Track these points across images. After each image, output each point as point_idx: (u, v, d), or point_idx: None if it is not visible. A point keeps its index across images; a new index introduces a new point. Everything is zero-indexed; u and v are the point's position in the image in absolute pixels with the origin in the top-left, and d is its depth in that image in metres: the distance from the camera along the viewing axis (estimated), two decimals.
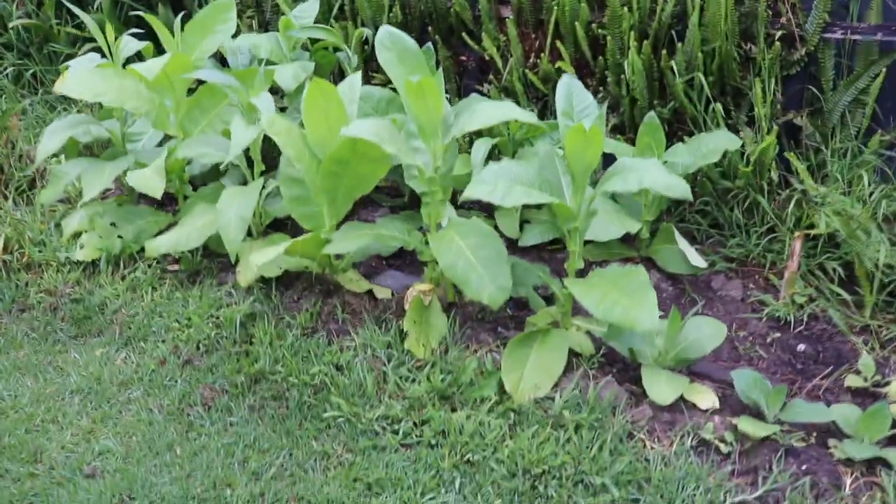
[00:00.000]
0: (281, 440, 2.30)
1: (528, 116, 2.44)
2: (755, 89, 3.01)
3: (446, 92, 3.82)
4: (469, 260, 2.44)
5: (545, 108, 3.61)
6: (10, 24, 4.15)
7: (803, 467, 2.11)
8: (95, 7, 4.17)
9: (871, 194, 2.91)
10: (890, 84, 2.98)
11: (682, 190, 2.18)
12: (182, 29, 3.19)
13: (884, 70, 2.94)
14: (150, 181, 2.90)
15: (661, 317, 2.75)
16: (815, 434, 2.23)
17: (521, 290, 2.63)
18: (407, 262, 3.14)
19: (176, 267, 3.08)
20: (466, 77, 3.81)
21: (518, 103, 3.58)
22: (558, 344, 2.42)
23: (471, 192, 2.21)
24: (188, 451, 2.27)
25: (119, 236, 3.14)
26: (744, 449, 2.18)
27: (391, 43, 2.60)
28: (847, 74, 3.06)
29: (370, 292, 2.82)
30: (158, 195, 2.90)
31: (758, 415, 2.25)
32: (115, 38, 3.29)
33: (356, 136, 2.40)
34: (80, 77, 3.04)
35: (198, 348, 2.67)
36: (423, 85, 2.42)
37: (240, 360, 2.58)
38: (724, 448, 2.18)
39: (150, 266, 3.04)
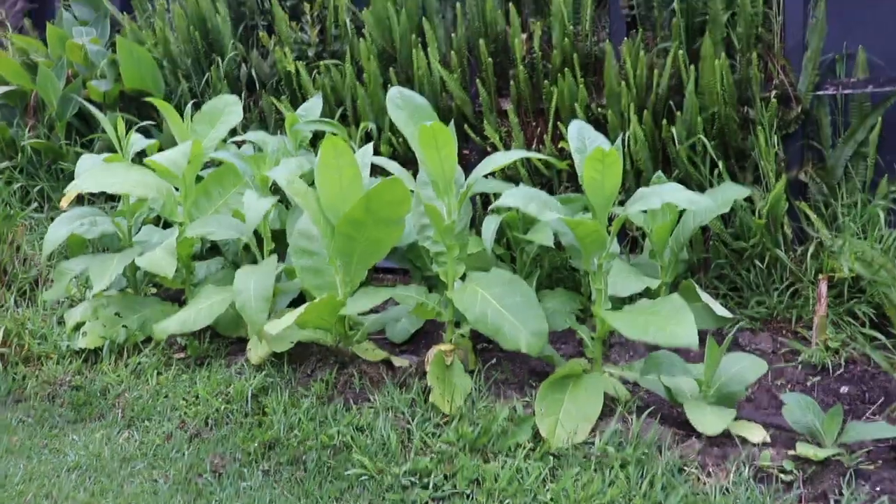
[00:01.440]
0: (299, 501, 2.11)
1: (540, 156, 2.44)
2: (758, 143, 3.05)
3: None
4: (497, 310, 2.35)
5: (551, 192, 3.63)
6: (22, 143, 4.22)
7: (877, 488, 1.93)
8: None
9: (882, 238, 2.89)
10: (889, 135, 3.03)
11: (703, 203, 2.15)
12: (192, 118, 3.25)
13: (880, 121, 3.00)
14: (162, 261, 2.84)
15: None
16: (881, 457, 2.06)
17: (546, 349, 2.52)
18: (421, 345, 3.02)
19: (182, 355, 2.96)
20: (469, 171, 3.85)
21: None
22: (593, 386, 2.28)
23: (504, 201, 2.19)
24: None
25: (124, 325, 3.03)
26: (807, 475, 2.00)
27: (402, 101, 2.65)
28: (844, 130, 3.12)
29: (387, 361, 2.69)
30: (171, 274, 2.82)
31: (814, 442, 2.09)
32: (126, 134, 3.34)
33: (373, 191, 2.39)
34: (89, 171, 3.05)
35: (206, 423, 2.51)
36: (436, 132, 2.43)
37: (252, 429, 2.41)
38: (785, 477, 2.00)
39: (154, 353, 2.91)
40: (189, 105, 3.30)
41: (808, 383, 2.58)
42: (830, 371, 2.63)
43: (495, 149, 3.66)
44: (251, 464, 2.28)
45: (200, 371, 2.78)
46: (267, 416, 2.46)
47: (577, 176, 3.53)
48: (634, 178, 3.35)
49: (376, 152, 3.90)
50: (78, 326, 3.05)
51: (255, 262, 3.00)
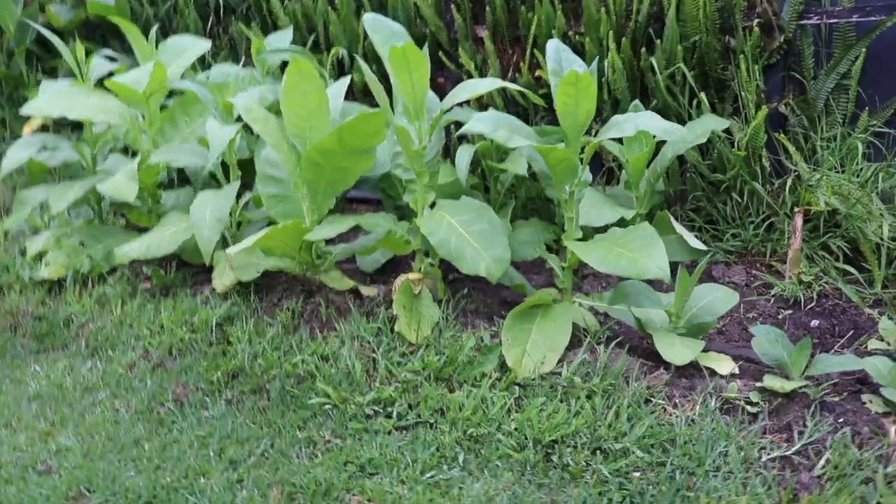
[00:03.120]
0: (261, 430, 2.08)
1: (515, 87, 2.36)
2: (739, 73, 2.97)
3: None
4: (462, 235, 2.30)
5: (527, 121, 3.55)
6: None
7: (840, 420, 1.93)
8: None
9: (862, 171, 2.84)
10: (872, 67, 2.96)
11: (679, 133, 2.08)
12: (157, 46, 3.12)
13: (864, 52, 2.93)
14: (122, 186, 2.76)
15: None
16: (846, 390, 2.06)
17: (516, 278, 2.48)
18: (392, 276, 2.97)
19: (148, 284, 2.90)
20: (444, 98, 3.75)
21: None
22: (561, 316, 2.25)
23: (470, 127, 2.11)
24: (157, 446, 2.04)
25: (88, 255, 2.96)
26: (773, 407, 1.99)
27: (377, 26, 2.54)
28: (827, 61, 3.04)
29: (356, 291, 2.65)
30: (132, 198, 2.74)
31: (782, 374, 2.08)
32: (87, 59, 3.21)
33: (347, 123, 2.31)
34: (48, 95, 2.93)
35: (170, 352, 2.46)
36: (407, 53, 2.33)
37: (216, 358, 2.37)
38: (751, 408, 1.99)
39: (119, 283, 2.85)
40: (154, 29, 3.16)
41: (780, 316, 2.57)
42: (802, 304, 2.61)
43: (471, 76, 3.56)
44: (214, 393, 2.24)
45: (165, 301, 2.73)
46: (231, 345, 2.42)
47: (551, 102, 3.48)
48: (612, 108, 3.27)
49: (349, 81, 3.81)
50: (40, 256, 2.98)
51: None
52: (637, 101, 2.93)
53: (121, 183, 2.74)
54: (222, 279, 2.66)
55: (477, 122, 2.14)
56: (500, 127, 2.15)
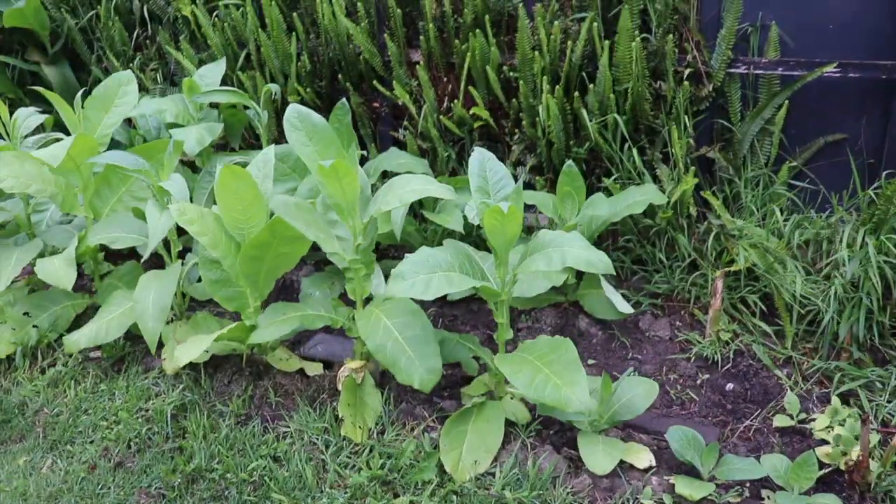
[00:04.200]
0: None
1: (445, 192, 2.42)
2: (670, 131, 3.05)
3: (360, 139, 3.79)
4: (397, 341, 2.42)
5: (462, 151, 3.60)
6: None
7: None
8: None
9: (785, 221, 3.00)
10: (794, 113, 3.06)
11: (604, 265, 2.19)
12: (83, 105, 3.05)
13: (786, 101, 3.02)
14: (61, 273, 2.79)
15: (592, 366, 2.82)
16: (748, 485, 2.29)
17: (452, 361, 2.62)
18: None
19: (98, 354, 2.98)
20: (381, 123, 3.76)
21: (434, 149, 3.56)
22: (494, 416, 2.42)
23: (392, 290, 2.18)
24: None
25: (35, 325, 3.02)
26: None
27: (299, 121, 2.54)
28: (754, 105, 3.13)
29: (301, 371, 2.78)
30: (69, 287, 2.78)
31: (693, 472, 2.30)
32: (11, 116, 3.14)
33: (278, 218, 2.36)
34: None
35: (129, 447, 2.59)
36: (336, 169, 2.37)
37: (174, 458, 2.51)
38: None
39: (70, 356, 2.93)
40: (79, 94, 3.08)
41: (698, 380, 2.78)
42: (720, 365, 2.82)
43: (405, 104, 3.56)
44: (177, 499, 2.39)
45: (118, 381, 2.83)
46: (187, 440, 2.56)
47: (490, 133, 3.52)
48: (546, 149, 3.34)
49: (284, 102, 3.77)
50: None
51: (163, 265, 2.97)
52: (570, 163, 3.01)
53: (59, 270, 2.78)
54: (172, 362, 2.76)
55: (397, 283, 2.18)
56: (418, 274, 2.21)
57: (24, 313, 3.03)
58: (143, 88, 4.16)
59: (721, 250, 3.08)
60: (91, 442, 2.63)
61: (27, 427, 2.73)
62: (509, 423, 2.47)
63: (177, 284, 2.77)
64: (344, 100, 3.26)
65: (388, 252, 3.60)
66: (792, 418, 2.55)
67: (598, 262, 2.20)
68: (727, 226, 3.05)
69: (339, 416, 2.49)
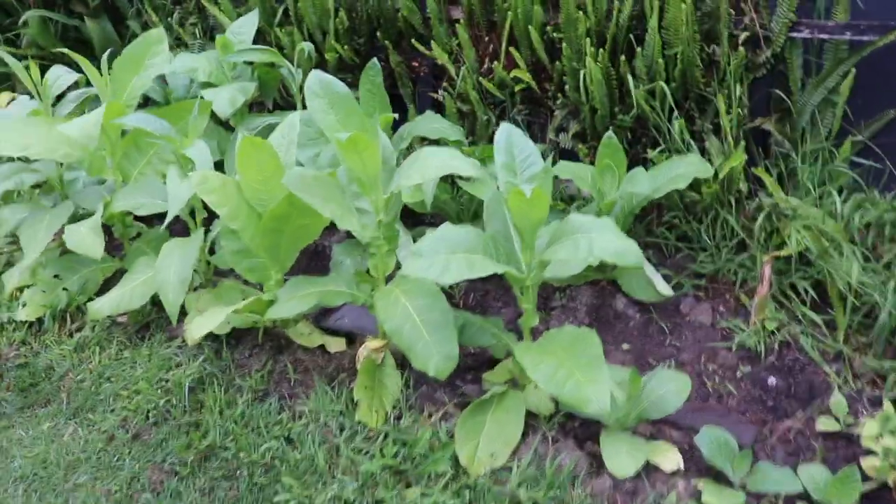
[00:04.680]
0: None
1: (469, 168, 2.28)
2: (719, 101, 2.82)
3: (400, 98, 3.65)
4: (416, 324, 2.31)
5: (503, 115, 3.43)
6: None
7: None
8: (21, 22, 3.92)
9: (845, 202, 2.77)
10: (861, 82, 2.79)
11: (634, 258, 2.03)
12: (111, 66, 2.98)
13: (853, 69, 2.76)
14: (89, 241, 2.76)
15: (626, 351, 2.68)
16: (783, 497, 2.14)
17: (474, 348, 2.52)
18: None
19: (124, 319, 2.97)
20: (420, 84, 3.61)
21: (474, 112, 3.40)
22: (514, 408, 2.31)
23: (408, 269, 2.06)
24: None
25: (64, 288, 3.02)
26: None
27: (321, 89, 2.42)
28: (816, 72, 2.87)
29: (322, 346, 2.71)
30: (98, 255, 2.76)
31: (723, 477, 2.16)
32: (45, 76, 3.09)
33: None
34: (4, 130, 2.86)
35: (147, 418, 2.57)
36: (355, 142, 2.25)
37: (189, 433, 2.49)
38: None
39: (97, 321, 2.93)
40: (106, 54, 3.01)
41: (738, 372, 2.61)
42: (763, 357, 2.64)
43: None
44: (189, 477, 2.37)
45: (141, 349, 2.82)
46: (203, 415, 2.53)
47: (533, 97, 3.34)
48: (590, 115, 3.14)
49: (321, 59, 3.65)
50: (18, 291, 3.02)
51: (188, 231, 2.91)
52: (611, 133, 2.82)
53: (86, 239, 2.74)
54: (192, 333, 2.70)
55: (415, 261, 2.05)
56: (437, 254, 2.08)
57: (55, 276, 3.03)
58: (182, 44, 4.09)
59: (772, 231, 2.86)
60: (112, 411, 2.63)
61: (52, 392, 2.75)
62: (531, 415, 2.36)
63: (199, 253, 2.71)
64: (375, 60, 3.13)
65: (423, 218, 3.47)
66: (838, 422, 2.36)
67: (629, 253, 2.04)
68: (780, 204, 2.82)
69: (355, 400, 2.42)
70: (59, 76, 3.13)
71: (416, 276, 2.04)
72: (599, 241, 2.07)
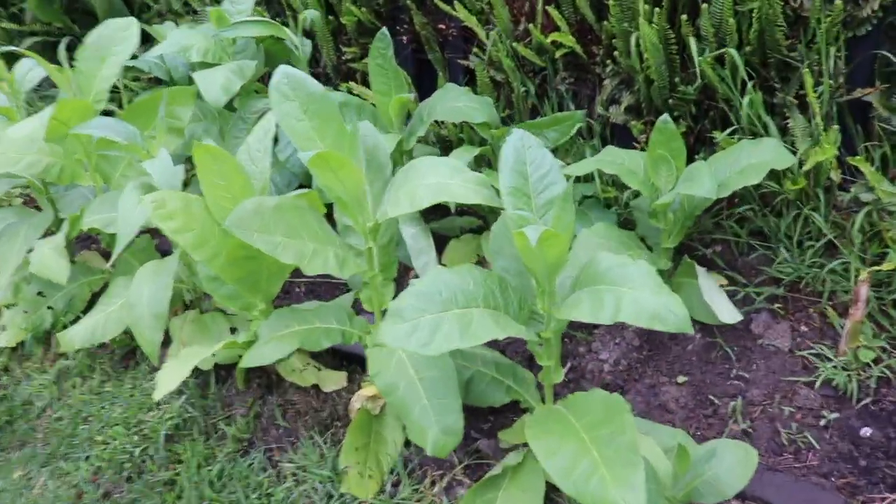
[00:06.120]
0: None
1: (473, 195, 1.80)
2: (805, 70, 2.21)
3: (428, 65, 3.15)
4: (413, 382, 1.89)
5: (544, 83, 2.89)
6: None
7: None
8: None
9: None
10: None
11: (676, 322, 1.53)
12: (73, 58, 2.58)
13: None
14: (52, 263, 2.43)
15: (681, 385, 2.19)
16: None
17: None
18: None
19: (108, 343, 2.66)
20: (449, 49, 3.08)
21: (508, 81, 2.87)
22: (532, 485, 1.87)
23: (384, 336, 1.61)
24: None
25: (49, 307, 2.72)
26: None
27: (290, 89, 1.94)
28: None
29: (317, 386, 2.32)
30: (63, 280, 2.43)
31: None
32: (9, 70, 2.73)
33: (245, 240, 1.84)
34: None
35: (120, 472, 2.27)
36: (326, 159, 1.80)
37: (163, 493, 2.17)
38: None
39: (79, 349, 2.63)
40: (62, 45, 2.60)
41: (823, 419, 2.08)
42: (854, 398, 2.10)
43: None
44: None
45: (124, 382, 2.51)
46: (179, 471, 2.21)
47: (578, 63, 2.78)
48: (645, 86, 2.57)
49: (339, 24, 3.16)
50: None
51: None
52: (666, 117, 2.25)
53: (49, 261, 2.41)
54: (160, 389, 2.29)
55: (392, 327, 1.60)
56: (424, 313, 1.61)
57: (38, 293, 2.73)
58: (191, 10, 3.68)
59: (872, 234, 2.28)
60: (86, 458, 2.33)
61: (28, 432, 2.48)
62: (553, 488, 1.91)
63: (170, 286, 2.32)
64: (384, 30, 2.65)
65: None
66: None
67: (669, 316, 1.53)
68: (882, 199, 2.22)
69: (342, 467, 2.03)
70: (30, 69, 2.75)
71: (396, 346, 1.59)
72: (630, 297, 1.57)
